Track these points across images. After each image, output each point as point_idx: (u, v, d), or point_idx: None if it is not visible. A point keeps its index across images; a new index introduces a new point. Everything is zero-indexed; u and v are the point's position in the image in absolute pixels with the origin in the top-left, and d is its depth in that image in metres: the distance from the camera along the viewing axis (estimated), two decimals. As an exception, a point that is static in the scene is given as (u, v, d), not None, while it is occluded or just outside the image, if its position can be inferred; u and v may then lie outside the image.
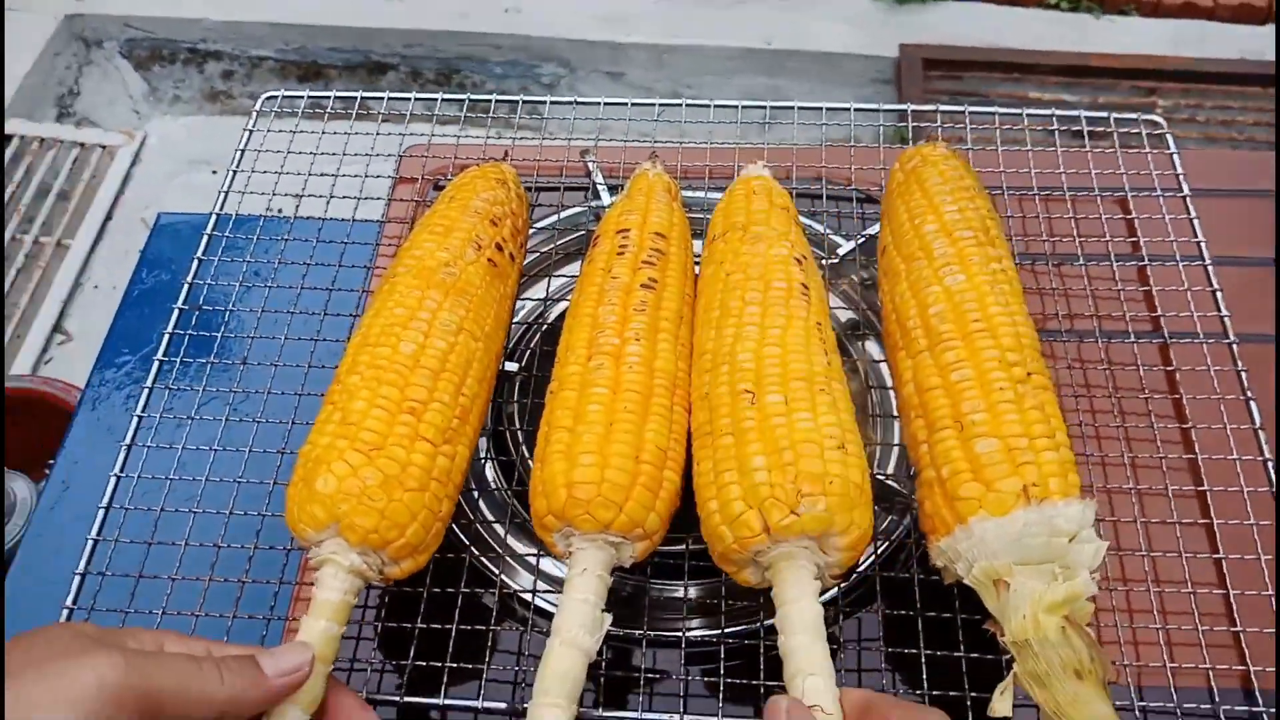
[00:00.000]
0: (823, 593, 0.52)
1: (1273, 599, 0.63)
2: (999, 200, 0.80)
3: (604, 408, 0.57)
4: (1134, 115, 0.81)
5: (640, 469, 0.55)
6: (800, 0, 2.43)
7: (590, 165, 0.85)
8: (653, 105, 0.83)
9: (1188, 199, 0.78)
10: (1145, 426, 0.69)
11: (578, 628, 0.50)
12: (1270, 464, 0.67)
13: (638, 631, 0.62)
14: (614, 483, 0.54)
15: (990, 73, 2.27)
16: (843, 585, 0.63)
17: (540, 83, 2.44)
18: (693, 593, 0.66)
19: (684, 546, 0.65)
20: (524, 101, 0.84)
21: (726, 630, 0.63)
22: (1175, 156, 0.80)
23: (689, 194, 0.82)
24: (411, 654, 0.60)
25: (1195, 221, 0.77)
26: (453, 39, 2.40)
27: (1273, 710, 0.59)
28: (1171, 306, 0.75)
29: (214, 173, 2.33)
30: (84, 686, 0.42)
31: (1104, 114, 0.81)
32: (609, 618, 0.53)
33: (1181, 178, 0.79)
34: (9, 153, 2.24)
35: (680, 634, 0.62)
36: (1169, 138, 0.81)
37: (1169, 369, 0.73)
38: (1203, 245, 0.76)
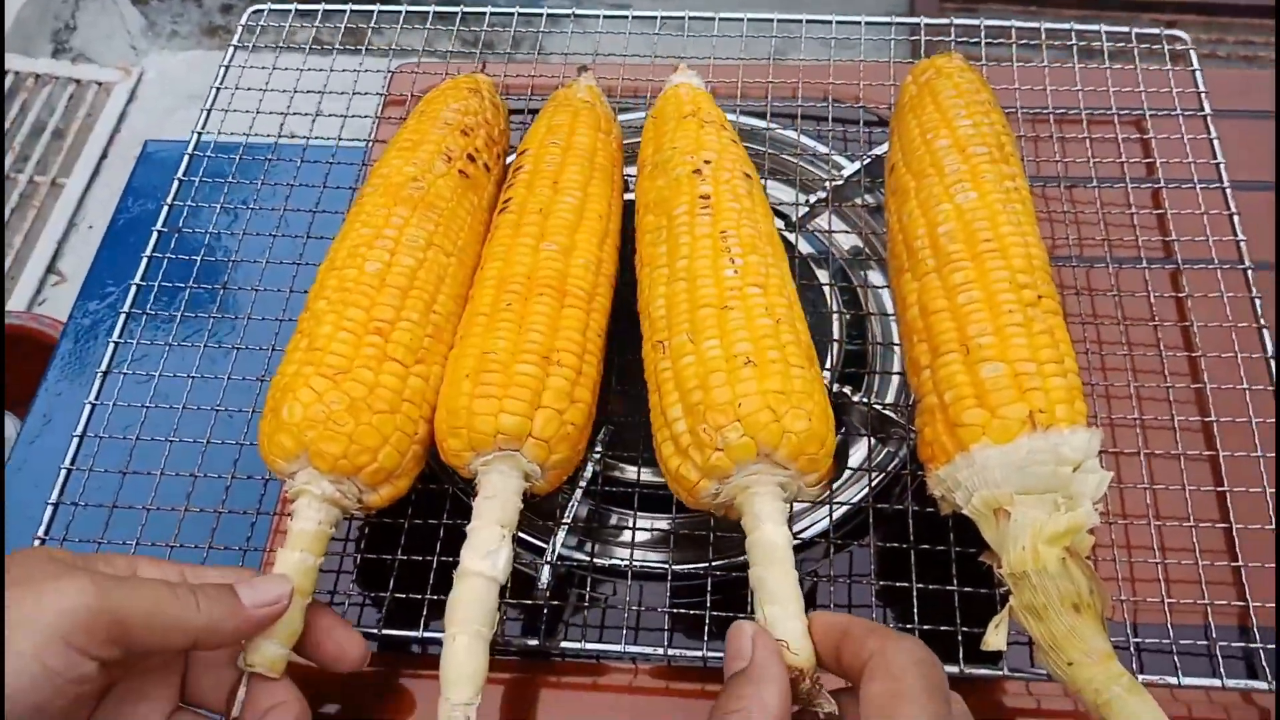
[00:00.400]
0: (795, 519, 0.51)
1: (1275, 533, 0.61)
2: (1012, 120, 0.77)
3: (456, 349, 0.58)
4: (1156, 30, 0.77)
5: (478, 381, 0.54)
6: (811, -71, 2.36)
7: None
8: (654, 18, 0.80)
9: (1208, 119, 0.75)
10: (1153, 356, 0.67)
11: (477, 556, 0.50)
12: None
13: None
14: (448, 409, 0.54)
15: (1008, 4, 2.21)
16: (834, 519, 0.61)
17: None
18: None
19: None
20: (520, 14, 0.80)
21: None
22: (1197, 74, 0.77)
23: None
24: (391, 586, 0.59)
25: (1215, 142, 0.74)
26: (456, -31, 2.34)
27: (1270, 647, 0.57)
28: (1186, 231, 0.72)
29: (212, 108, 2.29)
30: (53, 611, 0.41)
31: (1124, 29, 0.77)
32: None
33: (1203, 96, 0.76)
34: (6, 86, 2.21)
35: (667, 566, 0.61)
36: (1192, 54, 0.77)
37: (1179, 296, 0.70)
38: (1222, 168, 0.73)
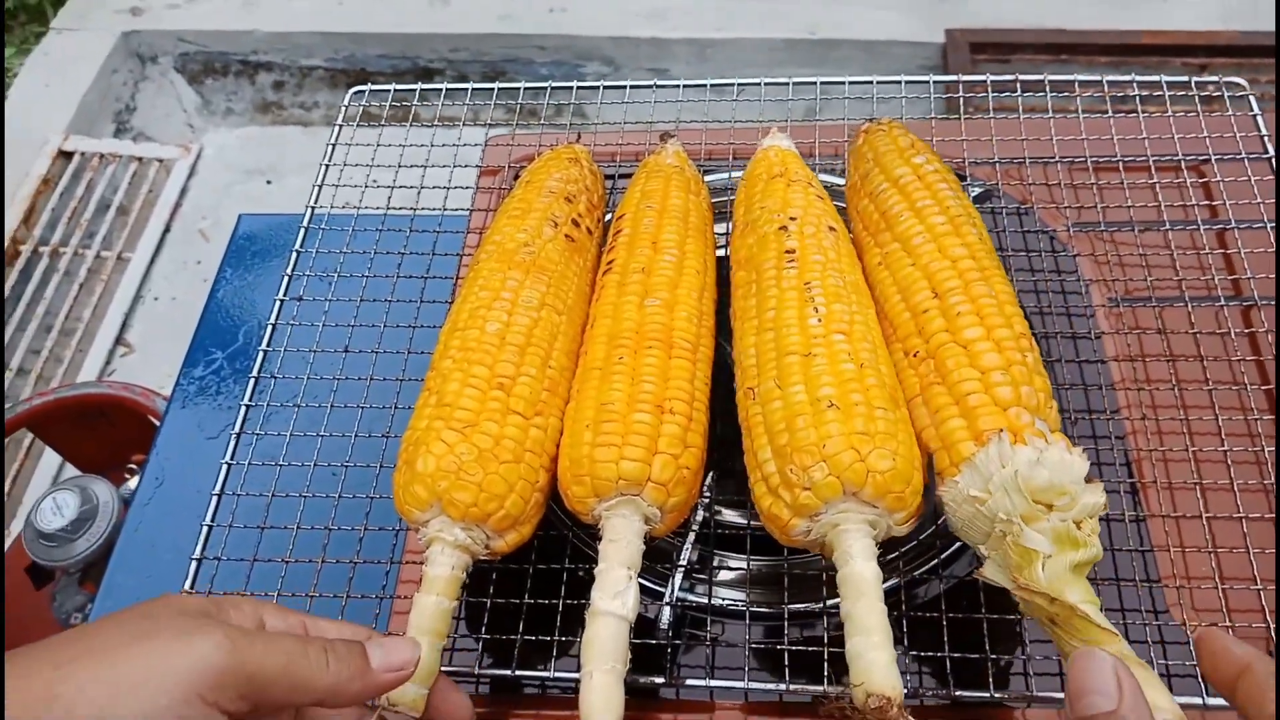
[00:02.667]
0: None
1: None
2: (1080, 170, 0.81)
3: (573, 402, 0.62)
4: (1215, 79, 0.81)
5: (599, 430, 0.57)
6: (842, -11, 2.42)
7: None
8: (731, 85, 0.85)
9: (1272, 161, 0.78)
10: (1234, 390, 0.69)
11: (607, 596, 0.52)
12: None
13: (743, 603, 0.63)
14: (571, 458, 0.58)
15: (1038, 55, 2.25)
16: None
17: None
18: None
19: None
20: (606, 88, 0.85)
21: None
22: (1259, 118, 0.80)
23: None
24: (520, 629, 0.62)
25: (1283, 183, 0.76)
26: (497, 41, 2.42)
27: None
28: (1260, 270, 0.74)
29: (269, 182, 2.38)
30: (188, 666, 0.41)
31: (1184, 78, 0.81)
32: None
33: (1266, 140, 0.79)
34: (70, 169, 2.29)
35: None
36: (1251, 100, 0.80)
37: (1253, 332, 0.73)
38: (1289, 206, 0.75)
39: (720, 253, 0.75)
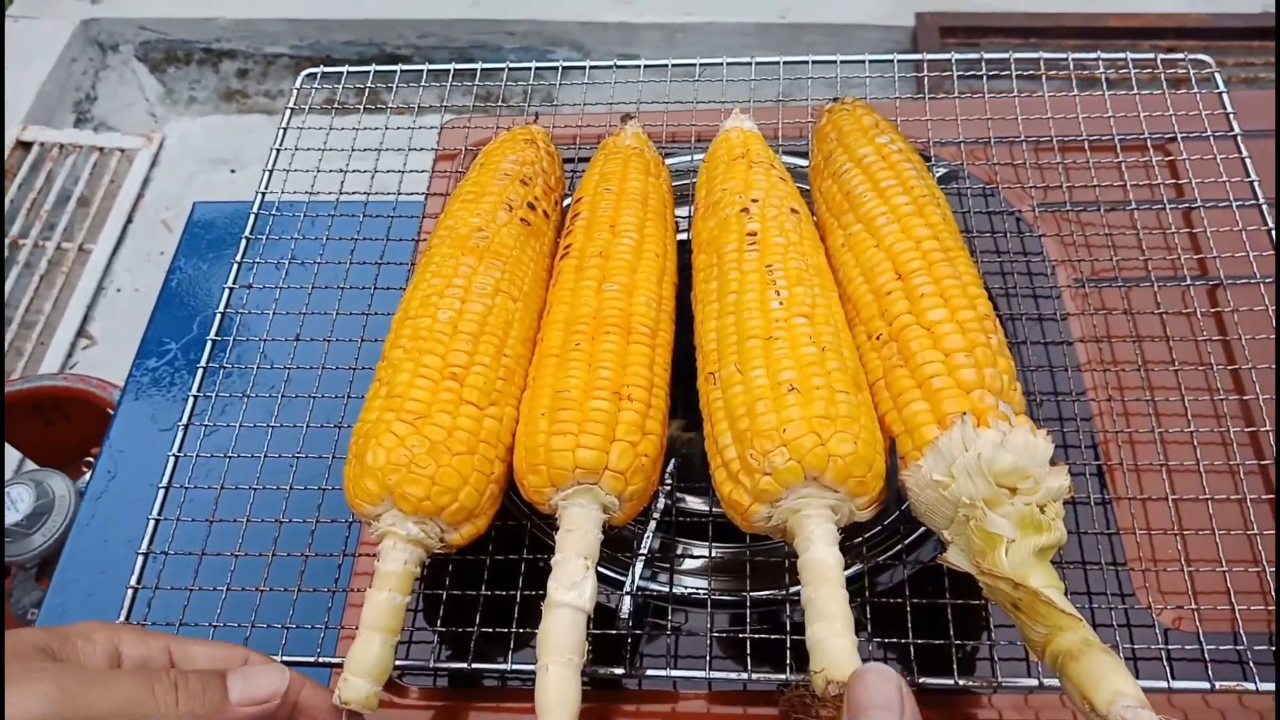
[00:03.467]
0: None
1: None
2: (1047, 150, 0.80)
3: (529, 390, 0.60)
4: (1180, 57, 0.80)
5: (555, 419, 0.56)
6: (813, -27, 2.41)
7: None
8: (693, 65, 0.83)
9: (1239, 139, 0.77)
10: (1198, 371, 0.68)
11: (563, 587, 0.51)
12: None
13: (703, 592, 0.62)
14: (527, 447, 0.56)
15: (1007, 38, 2.25)
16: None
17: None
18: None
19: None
20: (564, 68, 0.83)
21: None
22: (1224, 96, 0.79)
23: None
24: (477, 621, 0.60)
25: (1248, 161, 0.76)
26: (465, 27, 2.39)
27: None
28: (1226, 249, 0.73)
29: (233, 172, 2.34)
30: None
31: (1150, 56, 0.80)
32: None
33: (1232, 118, 0.78)
34: (29, 160, 2.25)
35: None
36: (1217, 77, 0.80)
37: (1219, 311, 0.72)
38: (1256, 185, 0.74)
39: (682, 236, 0.73)
